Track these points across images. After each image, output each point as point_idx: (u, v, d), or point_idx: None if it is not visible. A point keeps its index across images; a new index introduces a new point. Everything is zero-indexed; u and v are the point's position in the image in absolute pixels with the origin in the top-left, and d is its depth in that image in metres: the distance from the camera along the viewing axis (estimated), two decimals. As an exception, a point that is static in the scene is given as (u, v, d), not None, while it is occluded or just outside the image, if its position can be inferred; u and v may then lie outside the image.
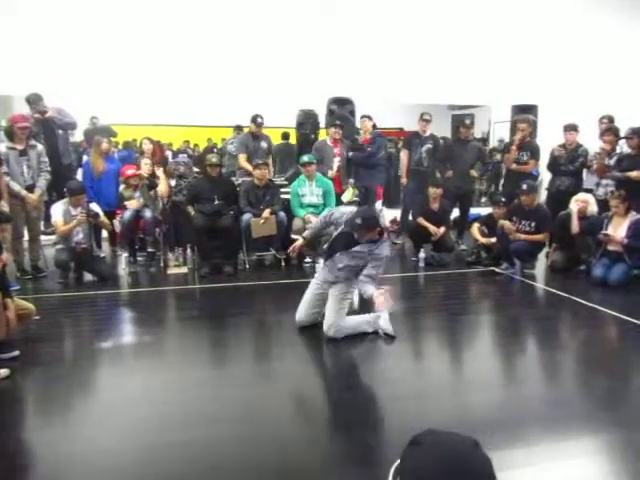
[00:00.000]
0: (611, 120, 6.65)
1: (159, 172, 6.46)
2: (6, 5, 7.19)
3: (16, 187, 5.34)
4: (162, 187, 6.28)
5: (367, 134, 7.00)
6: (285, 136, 8.75)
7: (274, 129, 8.65)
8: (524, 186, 5.85)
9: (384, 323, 3.92)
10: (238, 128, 8.82)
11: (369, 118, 7.09)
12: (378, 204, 7.13)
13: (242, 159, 6.89)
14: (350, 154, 6.88)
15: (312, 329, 4.00)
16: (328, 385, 3.40)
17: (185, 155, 10.65)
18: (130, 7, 7.63)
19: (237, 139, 7.54)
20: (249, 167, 6.70)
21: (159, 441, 2.57)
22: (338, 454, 2.49)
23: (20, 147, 5.41)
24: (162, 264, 6.16)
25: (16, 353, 3.48)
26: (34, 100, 6.36)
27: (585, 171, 6.56)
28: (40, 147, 5.65)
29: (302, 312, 4.07)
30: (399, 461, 1.01)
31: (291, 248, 4.41)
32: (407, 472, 0.97)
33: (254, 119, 6.83)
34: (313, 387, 3.36)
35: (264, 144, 6.94)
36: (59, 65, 7.24)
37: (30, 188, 5.47)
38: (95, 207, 5.51)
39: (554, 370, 3.62)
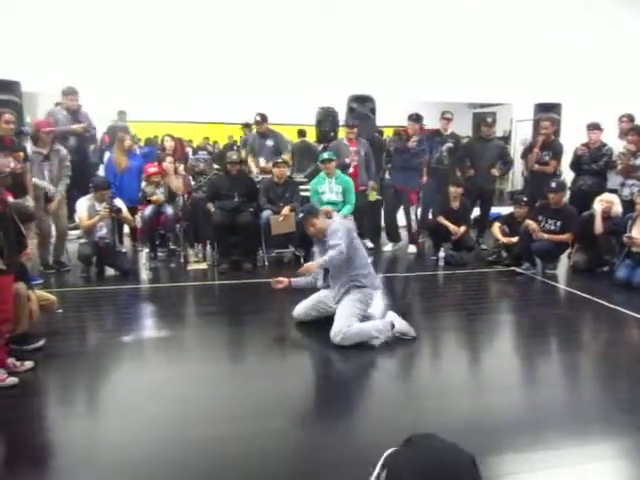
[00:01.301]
0: (631, 119, 6.50)
1: (180, 168, 6.53)
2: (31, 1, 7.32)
3: (43, 183, 5.43)
4: (179, 184, 6.33)
5: (414, 136, 6.61)
6: (301, 133, 8.71)
7: (292, 126, 8.67)
8: (553, 184, 5.75)
9: (400, 327, 3.84)
10: (246, 126, 8.78)
11: (415, 120, 6.67)
12: (412, 210, 6.93)
13: (250, 158, 6.91)
14: (392, 148, 6.76)
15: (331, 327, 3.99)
16: (346, 382, 3.39)
17: (205, 152, 10.72)
18: (151, 6, 7.71)
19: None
20: (253, 166, 6.72)
21: (178, 436, 2.59)
22: (356, 451, 2.48)
23: (45, 151, 5.48)
24: (182, 260, 6.22)
25: (40, 343, 3.56)
26: (67, 92, 6.48)
27: (609, 171, 6.43)
28: (64, 152, 5.68)
29: (299, 308, 4.17)
30: (390, 451, 0.99)
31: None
32: (394, 469, 0.96)
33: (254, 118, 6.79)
34: (331, 384, 3.36)
35: (270, 142, 6.72)
36: (82, 63, 7.34)
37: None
38: (119, 202, 5.59)
39: (575, 372, 3.58)
